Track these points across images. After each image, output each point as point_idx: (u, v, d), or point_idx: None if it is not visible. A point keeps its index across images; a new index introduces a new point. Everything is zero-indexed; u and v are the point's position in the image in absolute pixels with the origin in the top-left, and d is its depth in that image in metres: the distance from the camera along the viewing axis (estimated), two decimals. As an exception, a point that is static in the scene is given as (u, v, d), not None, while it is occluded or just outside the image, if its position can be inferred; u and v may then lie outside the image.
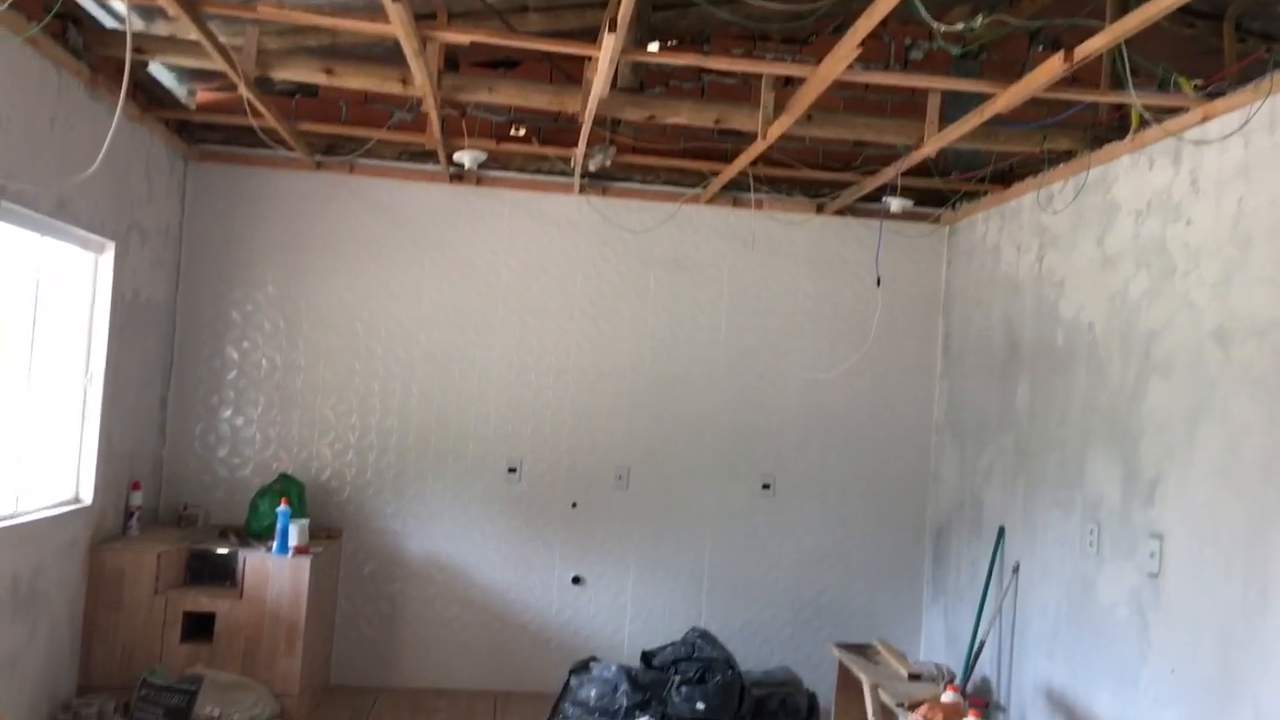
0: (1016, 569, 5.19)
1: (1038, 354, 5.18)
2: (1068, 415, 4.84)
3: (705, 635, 5.69)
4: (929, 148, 4.69)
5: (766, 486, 6.32)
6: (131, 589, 5.01)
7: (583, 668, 5.53)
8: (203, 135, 5.90)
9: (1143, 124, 4.31)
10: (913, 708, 3.77)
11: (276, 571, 5.14)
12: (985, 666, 5.42)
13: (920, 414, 6.42)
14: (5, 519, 4.29)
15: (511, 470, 6.18)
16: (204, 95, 5.63)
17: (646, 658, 5.70)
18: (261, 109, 4.86)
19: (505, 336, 6.19)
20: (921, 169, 5.48)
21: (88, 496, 4.97)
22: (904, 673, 4.25)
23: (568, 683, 5.45)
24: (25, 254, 4.52)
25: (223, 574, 5.24)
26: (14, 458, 4.49)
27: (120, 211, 5.07)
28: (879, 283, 6.17)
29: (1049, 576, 4.91)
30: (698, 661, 5.45)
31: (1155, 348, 4.21)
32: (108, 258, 5.03)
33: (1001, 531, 5.39)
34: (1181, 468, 3.99)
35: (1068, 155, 4.95)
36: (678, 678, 5.35)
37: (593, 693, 5.33)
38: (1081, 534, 4.65)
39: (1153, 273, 4.28)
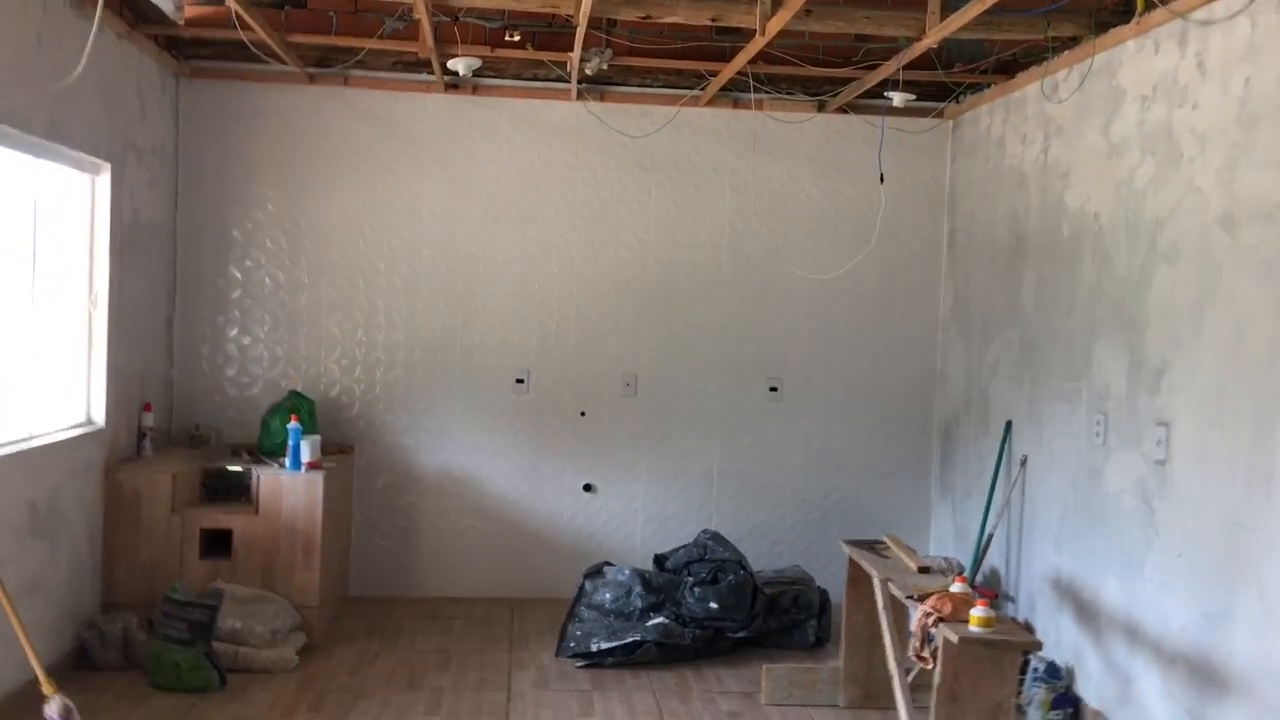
0: (1024, 462, 5.23)
1: (1043, 246, 5.14)
2: (1074, 307, 4.83)
3: (716, 537, 5.77)
4: (931, 39, 4.60)
5: (774, 389, 6.34)
6: (149, 508, 5.08)
7: (596, 572, 5.62)
8: (193, 51, 5.80)
9: (1149, 6, 4.21)
10: (922, 599, 3.82)
11: (290, 487, 5.20)
12: (993, 558, 5.49)
13: (926, 311, 6.40)
14: (20, 442, 4.33)
15: (519, 381, 6.20)
16: (192, 9, 5.51)
17: (659, 561, 5.79)
18: (250, 21, 4.77)
19: (508, 248, 6.17)
20: (924, 62, 5.37)
21: (100, 419, 5.01)
22: (913, 566, 4.29)
23: (582, 587, 5.54)
24: (22, 178, 4.49)
25: (237, 491, 5.31)
26: (24, 382, 4.52)
27: (114, 132, 5.02)
28: (882, 180, 6.10)
29: (1056, 468, 4.94)
30: (710, 563, 5.53)
31: (1161, 235, 4.18)
32: (104, 179, 4.99)
33: (1009, 426, 5.41)
34: (1188, 355, 3.98)
35: (1072, 42, 4.85)
36: (690, 579, 5.43)
37: (607, 596, 5.42)
38: (1088, 425, 4.66)
39: (1159, 159, 4.22)
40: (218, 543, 5.18)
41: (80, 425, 4.92)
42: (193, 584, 4.97)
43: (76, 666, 4.66)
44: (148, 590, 5.02)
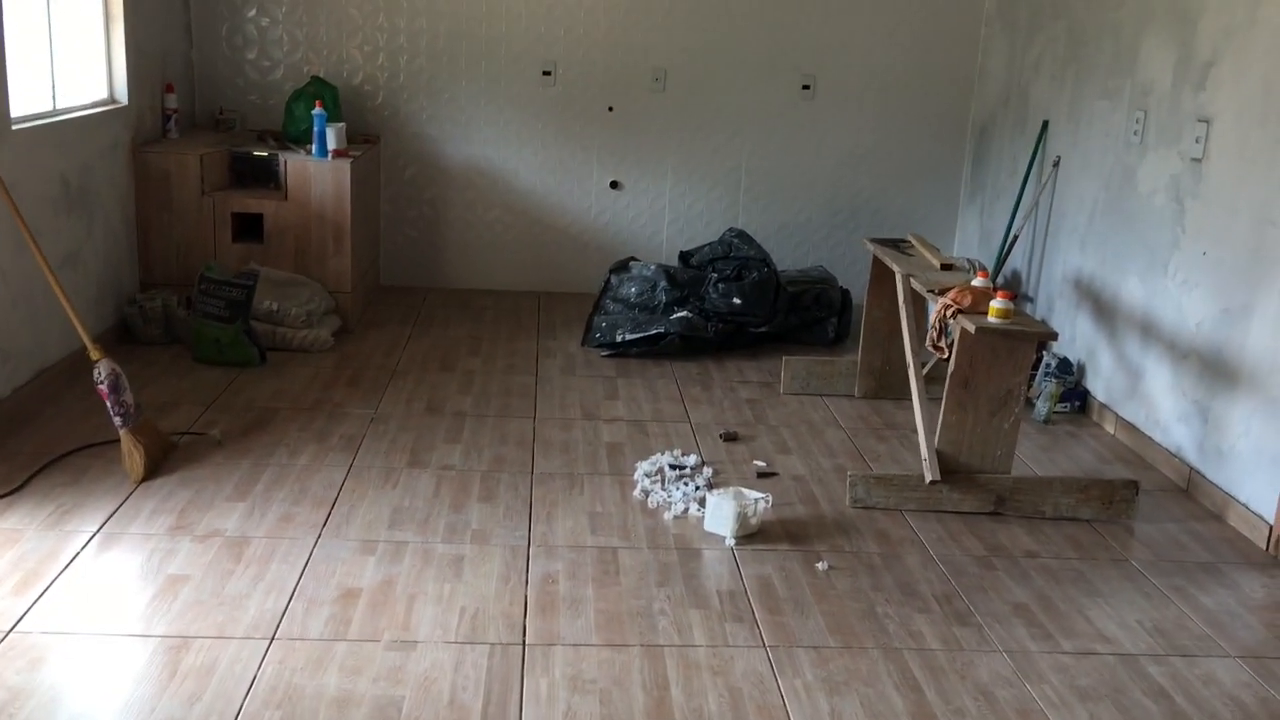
0: (1057, 163, 5.14)
1: (1102, -67, 4.84)
2: (1127, -1, 4.60)
3: (742, 235, 5.79)
4: None
5: (806, 87, 6.17)
6: (179, 190, 5.11)
7: (622, 267, 5.69)
8: None
9: None
10: (942, 293, 3.87)
11: (318, 174, 5.20)
12: (1016, 260, 5.52)
13: (970, 4, 6.11)
14: (46, 116, 4.31)
15: (546, 73, 6.05)
16: None
17: (684, 257, 5.84)
18: None
19: (534, -73, 5.86)
20: None
21: (123, 97, 4.97)
22: (936, 263, 4.32)
23: (608, 281, 5.63)
24: None
25: (265, 176, 5.31)
26: (45, 58, 4.44)
27: None
28: None
29: (1089, 169, 4.87)
30: (734, 260, 5.58)
31: (1231, -83, 3.91)
32: None
33: (1045, 125, 5.29)
34: (1239, 48, 3.82)
35: None
36: (715, 275, 5.50)
37: (633, 290, 5.52)
38: (1127, 123, 4.55)
39: None
40: (249, 227, 5.25)
41: (104, 103, 4.88)
42: (227, 266, 5.08)
43: (121, 340, 4.85)
44: (184, 269, 5.14)
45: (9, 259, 3.88)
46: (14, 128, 3.95)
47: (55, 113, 4.41)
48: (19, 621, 2.74)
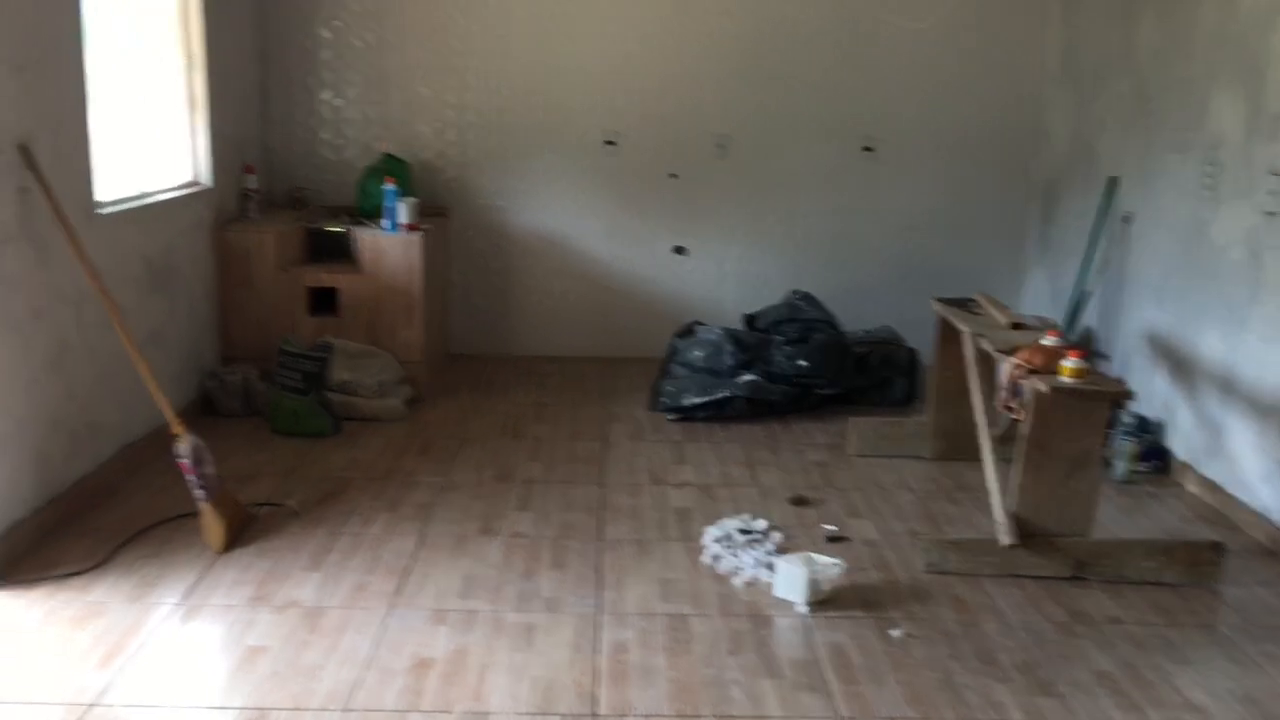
0: (1127, 219, 5.09)
1: (1164, -11, 4.82)
2: (1193, 52, 4.56)
3: (807, 297, 5.79)
4: None
5: (868, 149, 6.20)
6: (258, 266, 5.27)
7: (688, 331, 5.72)
8: None
9: None
10: (1012, 353, 3.83)
11: (390, 248, 5.33)
12: (1090, 318, 5.44)
13: (1033, 64, 6.10)
14: (133, 200, 4.49)
15: (610, 143, 6.15)
16: None
17: (749, 320, 5.85)
18: None
19: (599, 6, 5.99)
20: None
21: (206, 179, 5.16)
22: (1005, 322, 4.28)
23: (674, 345, 5.66)
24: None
25: (340, 251, 5.46)
26: (134, 144, 4.63)
27: (195, -116, 4.93)
28: (992, -80, 5.73)
29: (1161, 224, 4.80)
30: (800, 323, 5.58)
31: (1296, -31, 3.88)
32: (190, -65, 4.94)
33: (1113, 182, 5.24)
34: (1312, 100, 3.78)
35: None
36: (780, 338, 5.50)
37: (698, 354, 5.53)
38: (1198, 177, 4.49)
39: (1301, -117, 3.87)
40: (324, 301, 5.38)
41: (189, 185, 5.07)
42: (303, 339, 5.20)
43: (202, 414, 4.98)
44: (262, 344, 5.27)
45: (96, 337, 4.03)
46: (101, 212, 4.12)
47: (141, 196, 4.59)
48: (102, 695, 2.80)
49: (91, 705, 2.75)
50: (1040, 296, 6.13)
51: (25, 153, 3.56)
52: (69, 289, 3.84)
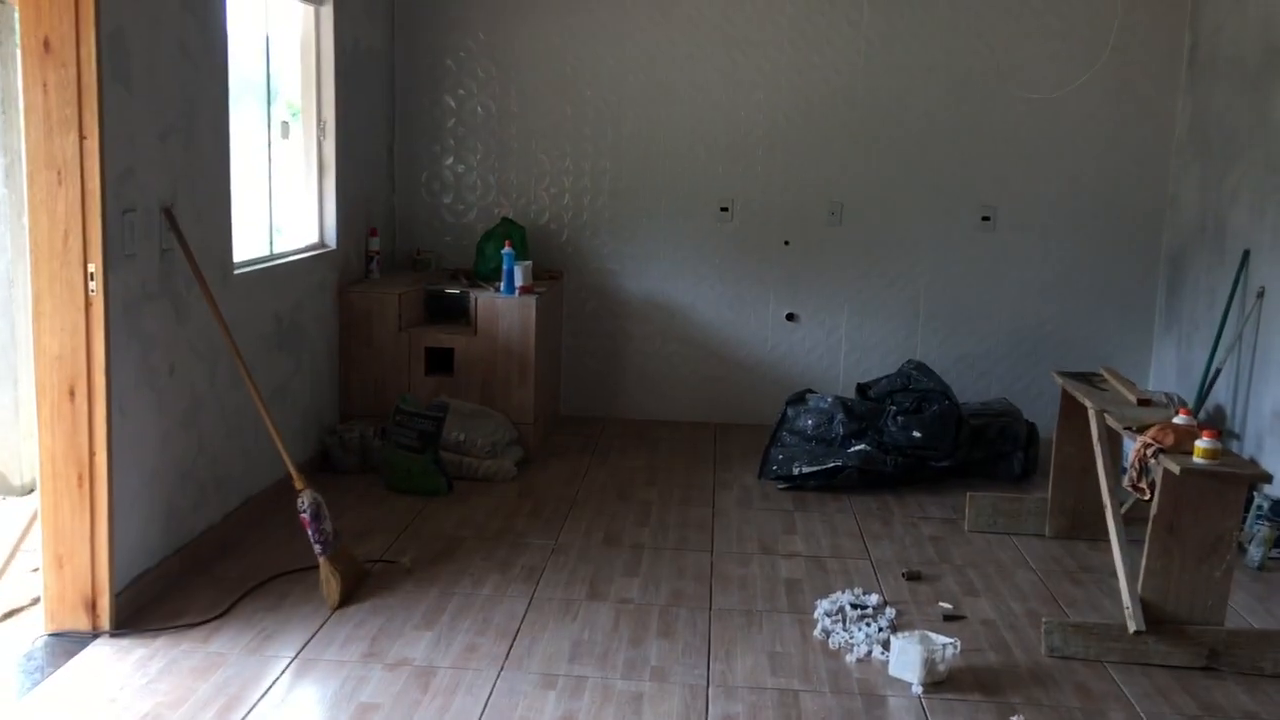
0: (1261, 294, 4.90)
1: (1300, 58, 4.69)
2: (1332, 124, 4.41)
3: (921, 367, 5.71)
4: None
5: (986, 218, 6.11)
6: (378, 326, 5.42)
7: (799, 399, 5.67)
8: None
9: None
10: (1141, 431, 3.70)
11: (505, 310, 5.42)
12: (1220, 395, 5.24)
13: (1159, 133, 5.97)
14: (264, 261, 4.67)
15: (723, 209, 6.20)
16: None
17: (862, 389, 5.78)
18: None
19: (712, 73, 6.08)
20: None
21: (332, 241, 5.34)
22: (1132, 399, 4.14)
23: (785, 413, 5.61)
24: (254, 12, 4.70)
25: (457, 313, 5.59)
26: (267, 207, 4.83)
27: (334, -38, 5.17)
28: (1118, -11, 5.66)
29: (1297, 300, 4.62)
30: (913, 393, 5.49)
31: None
32: (328, 9, 5.17)
33: (1246, 255, 5.07)
34: None
35: None
36: (893, 408, 5.42)
37: (809, 422, 5.48)
38: (1339, 253, 4.32)
39: None
40: (440, 361, 5.49)
41: (315, 247, 5.26)
42: (419, 398, 5.31)
43: (320, 469, 5.10)
44: (379, 402, 5.40)
45: (227, 393, 4.17)
46: (236, 273, 4.29)
47: (272, 257, 4.77)
48: (222, 744, 2.86)
49: (210, 755, 2.80)
50: (1167, 371, 5.93)
51: (168, 215, 3.73)
52: (203, 346, 4.00)
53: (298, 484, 3.86)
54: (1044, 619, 3.59)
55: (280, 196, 5.00)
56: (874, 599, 3.89)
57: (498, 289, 5.51)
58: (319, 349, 5.18)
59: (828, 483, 5.18)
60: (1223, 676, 3.42)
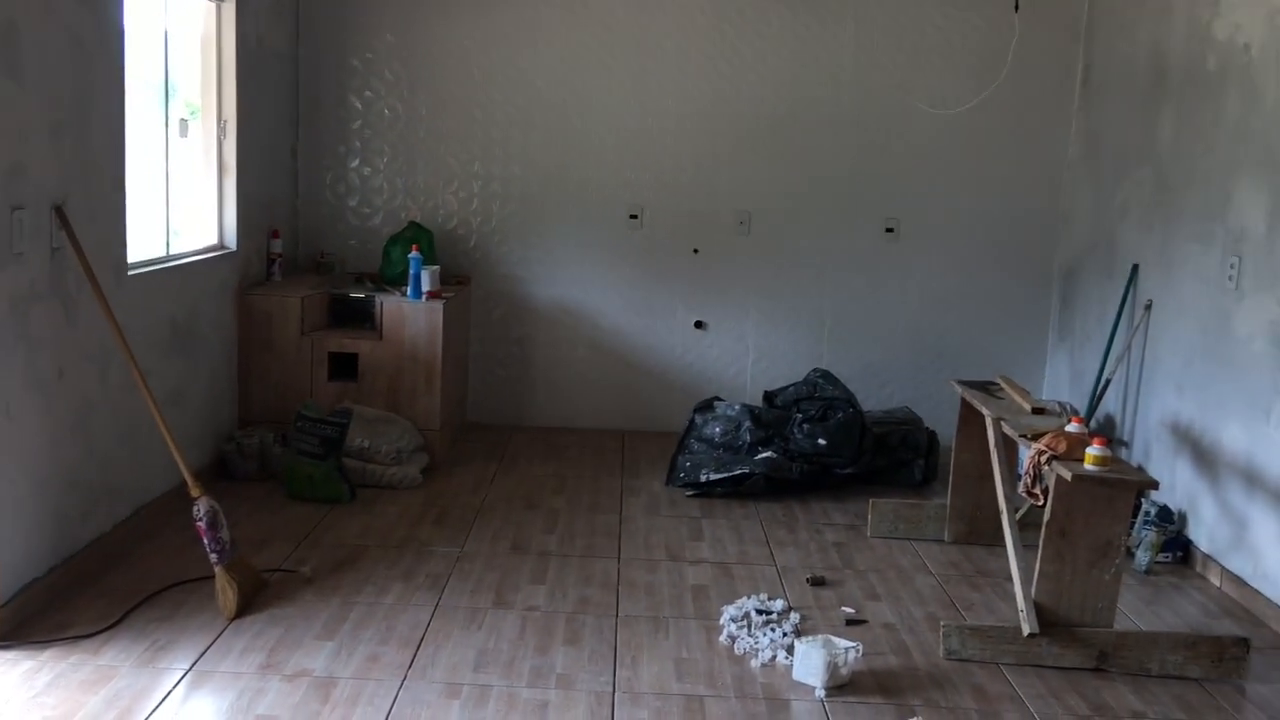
0: (1149, 307, 5.09)
1: (1186, 81, 4.88)
2: (1215, 145, 4.60)
3: (826, 375, 5.79)
4: None
5: (890, 230, 6.24)
6: (280, 330, 5.30)
7: (707, 407, 5.71)
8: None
9: None
10: (1035, 439, 3.81)
11: (412, 315, 5.36)
12: (1110, 404, 5.42)
13: (1054, 150, 6.16)
14: (160, 262, 4.54)
15: (633, 217, 6.21)
16: None
17: (769, 397, 5.85)
18: None
19: (624, 81, 6.10)
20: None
21: (232, 243, 5.21)
22: (1027, 407, 4.26)
23: (693, 420, 5.65)
24: (154, 8, 4.57)
25: (362, 317, 5.50)
26: (163, 207, 4.70)
27: (237, -42, 5.06)
28: (1017, 8, 5.82)
29: (1184, 313, 4.80)
30: (819, 400, 5.57)
31: (1319, 66, 3.93)
32: (230, 6, 5.05)
33: (1135, 269, 5.25)
34: (1337, 194, 3.79)
35: None
36: (799, 416, 5.49)
37: (717, 429, 5.52)
38: (1221, 268, 4.50)
39: (1324, -17, 3.93)
40: (344, 366, 5.40)
41: (214, 248, 5.13)
42: (322, 404, 5.21)
43: (217, 476, 4.97)
44: (281, 408, 5.28)
45: (120, 398, 4.04)
46: (131, 274, 4.16)
47: (169, 258, 4.64)
48: (111, 760, 2.76)
49: (98, 772, 2.71)
50: (1061, 381, 6.12)
51: (60, 213, 3.61)
52: (95, 349, 3.87)
53: (194, 491, 3.76)
54: (942, 623, 3.66)
55: (178, 196, 4.86)
56: (779, 604, 3.92)
57: (404, 294, 5.44)
58: (217, 353, 5.05)
59: (734, 490, 5.22)
60: (1112, 678, 3.52)
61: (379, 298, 5.41)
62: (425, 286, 5.40)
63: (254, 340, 5.31)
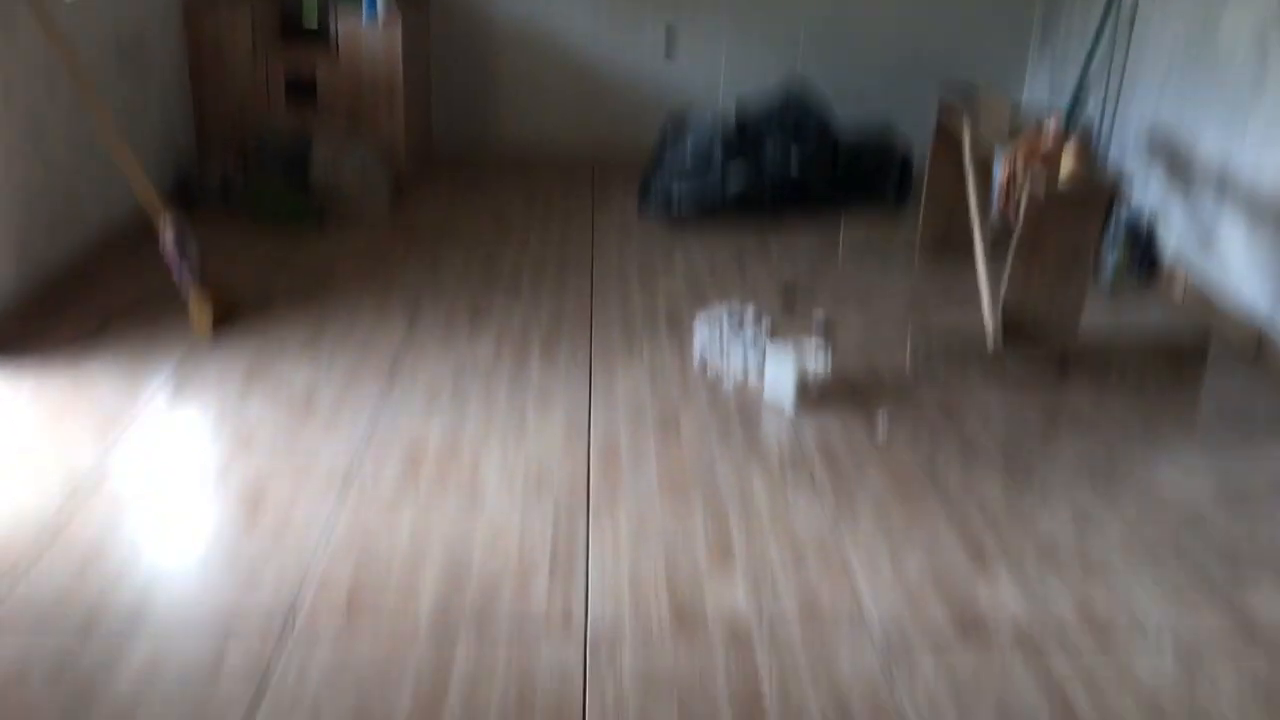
0: (1135, 9, 4.92)
1: None
2: None
3: (801, 90, 5.61)
4: None
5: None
6: (230, 51, 5.06)
7: (679, 122, 5.55)
8: None
9: None
10: (1013, 140, 3.76)
11: (369, 37, 5.11)
12: (1089, 113, 5.32)
13: None
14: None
15: (599, -76, 5.85)
16: None
17: (741, 117, 5.66)
18: None
19: None
20: None
21: (174, -46, 4.89)
22: (1005, 114, 4.19)
23: (663, 140, 5.51)
24: None
25: (316, 37, 5.24)
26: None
27: None
28: None
29: (1170, 16, 4.65)
30: (792, 123, 5.41)
31: None
32: None
33: (1123, -27, 5.05)
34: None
35: None
36: (772, 135, 5.35)
37: (688, 152, 5.40)
38: (1213, -31, 4.33)
39: None
40: (302, 89, 5.19)
41: (156, -40, 4.82)
42: (282, 127, 5.05)
43: (179, 205, 4.86)
44: (240, 130, 5.11)
45: (72, 116, 3.90)
46: (66, -6, 3.92)
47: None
48: (99, 470, 2.83)
49: (89, 480, 2.78)
50: (1040, 91, 5.99)
51: (-19, -85, 3.34)
52: (39, 61, 3.69)
53: (157, 210, 3.68)
54: (910, 336, 3.72)
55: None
56: (750, 311, 3.95)
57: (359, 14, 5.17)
58: (168, 76, 4.83)
59: (708, 210, 5.17)
60: (1073, 382, 3.63)
61: (332, 18, 5.13)
62: (380, 6, 5.13)
63: (205, 61, 5.07)
